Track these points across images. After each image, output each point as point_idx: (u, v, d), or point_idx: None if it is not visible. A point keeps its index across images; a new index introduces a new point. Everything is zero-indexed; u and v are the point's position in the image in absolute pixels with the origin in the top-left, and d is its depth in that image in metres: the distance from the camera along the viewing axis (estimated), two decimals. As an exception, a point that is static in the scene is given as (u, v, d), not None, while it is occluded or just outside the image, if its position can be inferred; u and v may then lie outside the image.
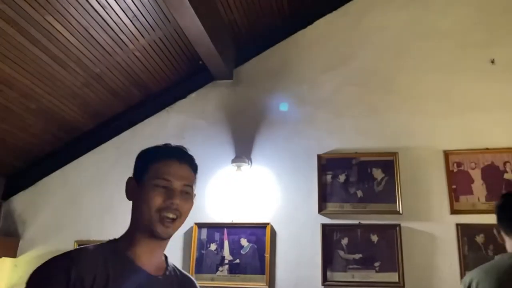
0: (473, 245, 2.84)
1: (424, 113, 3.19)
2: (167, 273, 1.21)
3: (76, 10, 2.66)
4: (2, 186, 3.64)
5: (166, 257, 1.25)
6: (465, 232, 2.87)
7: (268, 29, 3.63)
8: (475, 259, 2.78)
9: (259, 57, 3.62)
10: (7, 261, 3.40)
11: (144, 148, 1.25)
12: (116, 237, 1.19)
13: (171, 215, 1.14)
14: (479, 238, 2.84)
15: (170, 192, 1.15)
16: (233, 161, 3.24)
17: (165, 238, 1.17)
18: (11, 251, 3.40)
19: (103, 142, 3.64)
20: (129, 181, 1.21)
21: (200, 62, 3.42)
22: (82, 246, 1.13)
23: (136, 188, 1.18)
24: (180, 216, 1.17)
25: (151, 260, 1.17)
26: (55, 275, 1.02)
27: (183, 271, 1.30)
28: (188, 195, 1.19)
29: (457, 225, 2.89)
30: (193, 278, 1.31)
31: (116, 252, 1.13)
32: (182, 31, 3.05)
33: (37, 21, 2.60)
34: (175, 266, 1.28)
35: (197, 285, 1.30)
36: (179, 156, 1.21)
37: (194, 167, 1.24)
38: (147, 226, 1.14)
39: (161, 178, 1.15)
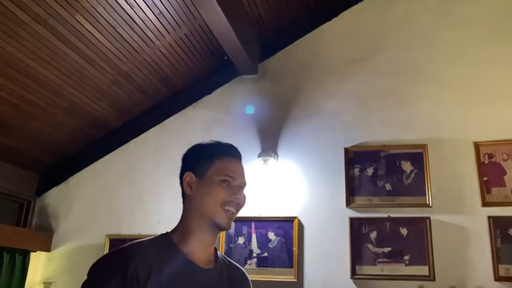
0: (506, 238, 2.78)
1: (453, 104, 3.12)
2: (218, 264, 1.25)
3: (104, 9, 2.71)
4: (36, 183, 3.75)
5: (215, 249, 1.29)
6: (498, 225, 2.81)
7: (293, 23, 3.61)
8: (508, 252, 2.74)
9: (285, 51, 3.60)
10: (42, 254, 3.51)
11: (197, 143, 1.31)
12: (168, 231, 1.23)
13: (232, 209, 1.22)
14: (513, 231, 2.79)
15: (233, 188, 1.24)
16: (260, 155, 3.25)
17: (227, 229, 1.24)
18: (46, 245, 3.51)
19: (132, 139, 3.70)
20: (187, 175, 1.25)
21: (226, 58, 3.44)
22: (137, 241, 1.15)
23: (197, 182, 1.23)
24: (238, 211, 1.25)
25: (203, 253, 1.22)
26: (114, 271, 1.06)
27: (231, 261, 1.34)
28: (243, 191, 1.29)
29: (489, 217, 2.83)
30: (241, 267, 1.35)
31: (169, 246, 1.17)
32: (207, 26, 3.06)
33: (67, 21, 2.66)
34: (225, 256, 1.32)
35: (246, 273, 1.35)
36: (237, 156, 1.33)
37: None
38: (210, 219, 1.20)
39: (226, 175, 1.23)
